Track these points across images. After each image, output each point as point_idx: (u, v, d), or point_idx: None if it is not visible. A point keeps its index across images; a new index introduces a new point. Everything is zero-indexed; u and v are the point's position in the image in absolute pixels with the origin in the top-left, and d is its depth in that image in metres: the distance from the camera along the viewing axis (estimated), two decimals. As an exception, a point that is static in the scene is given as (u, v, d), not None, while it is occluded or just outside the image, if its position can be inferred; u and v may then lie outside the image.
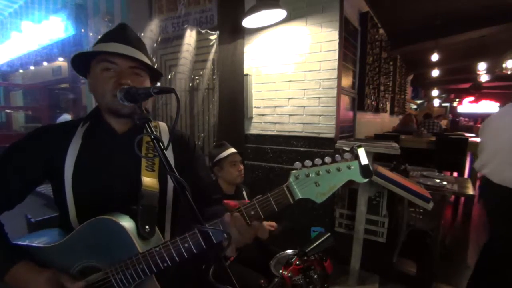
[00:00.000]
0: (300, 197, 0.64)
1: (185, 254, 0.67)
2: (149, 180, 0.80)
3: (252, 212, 0.66)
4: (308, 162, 0.64)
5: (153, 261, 0.67)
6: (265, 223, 1.85)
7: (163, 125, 0.95)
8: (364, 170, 0.61)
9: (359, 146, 0.62)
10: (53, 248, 0.73)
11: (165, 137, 0.91)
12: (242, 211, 0.66)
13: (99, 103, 0.83)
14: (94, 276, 0.70)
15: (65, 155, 0.78)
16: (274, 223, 1.86)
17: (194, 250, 0.67)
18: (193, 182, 0.60)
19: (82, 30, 3.88)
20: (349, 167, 0.62)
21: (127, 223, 0.71)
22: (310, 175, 0.63)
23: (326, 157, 0.63)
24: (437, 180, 2.54)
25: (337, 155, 0.63)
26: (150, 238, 0.73)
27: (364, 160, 0.61)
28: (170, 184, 0.86)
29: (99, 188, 0.79)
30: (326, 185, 0.62)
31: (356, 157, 0.61)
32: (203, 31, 2.71)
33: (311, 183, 0.63)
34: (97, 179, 0.79)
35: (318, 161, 0.64)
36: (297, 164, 0.64)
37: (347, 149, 0.63)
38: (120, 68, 0.78)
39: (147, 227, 0.73)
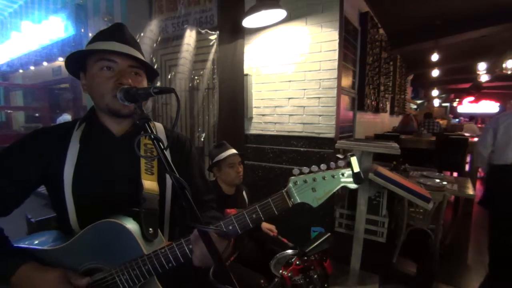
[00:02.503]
0: (299, 201, 0.69)
1: (189, 255, 0.69)
2: (149, 183, 0.81)
3: (254, 216, 0.69)
4: (305, 169, 0.69)
5: (158, 262, 0.69)
6: (264, 227, 1.85)
7: (159, 126, 0.94)
8: (356, 177, 0.67)
9: (352, 155, 0.68)
10: (58, 250, 0.74)
11: (163, 138, 0.91)
12: (222, 225, 0.69)
13: (97, 103, 0.81)
14: (99, 274, 0.71)
15: (63, 160, 0.77)
16: (273, 227, 1.86)
17: None
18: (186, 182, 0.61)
19: (82, 30, 3.87)
20: (342, 174, 0.68)
21: (131, 225, 0.72)
22: (308, 181, 0.68)
23: (321, 165, 0.69)
24: (437, 180, 2.54)
25: (331, 163, 0.68)
26: (153, 240, 0.75)
27: (356, 168, 0.67)
28: (169, 187, 0.87)
29: (99, 192, 0.78)
30: (322, 190, 0.68)
31: (349, 165, 0.67)
32: (203, 31, 2.70)
33: (308, 189, 0.68)
34: (98, 183, 0.79)
35: (314, 168, 0.69)
36: (295, 171, 0.69)
37: (341, 157, 0.70)
38: (120, 67, 0.77)
39: (150, 229, 0.75)
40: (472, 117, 8.02)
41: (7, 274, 0.67)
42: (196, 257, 0.68)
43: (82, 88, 0.84)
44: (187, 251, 0.69)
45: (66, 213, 0.76)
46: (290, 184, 0.68)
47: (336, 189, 0.68)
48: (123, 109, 0.77)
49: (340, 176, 0.67)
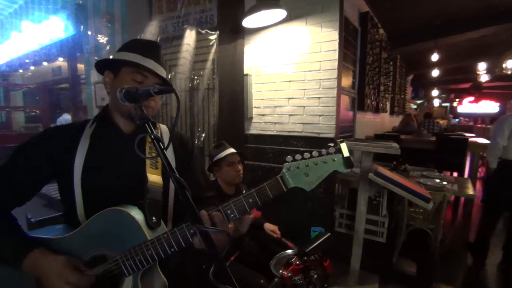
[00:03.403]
0: (292, 185, 0.72)
1: (190, 240, 0.72)
2: (153, 177, 0.86)
3: (250, 200, 0.72)
4: (298, 156, 0.72)
5: (161, 246, 0.72)
6: (267, 228, 1.85)
7: (163, 127, 0.99)
8: (346, 161, 0.70)
9: (342, 141, 0.70)
10: (65, 239, 0.78)
11: (166, 139, 0.93)
12: (220, 210, 0.73)
13: (117, 105, 0.84)
14: (106, 264, 0.74)
15: (74, 155, 0.81)
16: (276, 228, 1.86)
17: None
18: (188, 180, 0.64)
19: (81, 30, 3.87)
20: (333, 160, 0.71)
21: (136, 213, 0.76)
22: (300, 167, 0.72)
23: (313, 151, 0.72)
24: (437, 180, 2.54)
25: (323, 150, 0.71)
26: (156, 228, 0.78)
27: (346, 153, 0.70)
28: None
29: (107, 186, 0.82)
30: (314, 175, 0.72)
31: (339, 150, 0.70)
32: (203, 31, 2.70)
33: (301, 174, 0.72)
34: (105, 178, 0.83)
35: (307, 154, 0.72)
36: (289, 158, 0.72)
37: (332, 144, 0.72)
38: (148, 83, 0.85)
39: (153, 218, 0.78)
40: (495, 119, 7.55)
41: (19, 258, 0.71)
42: (197, 238, 0.70)
43: (104, 84, 0.91)
44: (189, 235, 0.71)
45: (74, 205, 0.80)
46: (284, 170, 0.72)
47: (328, 173, 0.71)
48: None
49: (331, 161, 0.70)
